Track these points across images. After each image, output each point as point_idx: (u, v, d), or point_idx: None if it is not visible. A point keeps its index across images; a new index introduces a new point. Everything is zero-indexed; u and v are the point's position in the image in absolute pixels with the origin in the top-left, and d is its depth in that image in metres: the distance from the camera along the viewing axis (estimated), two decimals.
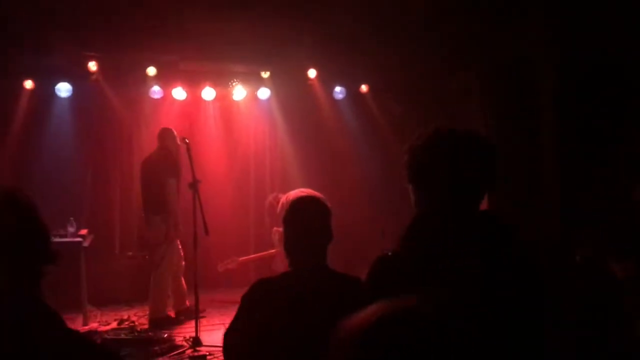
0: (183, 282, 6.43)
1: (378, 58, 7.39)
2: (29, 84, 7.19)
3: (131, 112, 7.86)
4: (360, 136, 8.49)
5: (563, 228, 5.42)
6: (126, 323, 6.20)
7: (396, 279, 1.58)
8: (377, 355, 0.99)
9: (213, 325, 5.94)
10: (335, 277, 2.28)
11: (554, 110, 5.83)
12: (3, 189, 1.36)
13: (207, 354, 5.05)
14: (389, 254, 1.67)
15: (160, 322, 6.04)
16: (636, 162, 4.87)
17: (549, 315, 1.73)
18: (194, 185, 5.56)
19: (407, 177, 1.72)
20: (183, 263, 6.41)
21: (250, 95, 8.12)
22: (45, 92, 7.28)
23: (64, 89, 7.26)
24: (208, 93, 7.87)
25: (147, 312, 6.27)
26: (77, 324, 6.09)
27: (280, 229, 4.15)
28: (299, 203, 2.42)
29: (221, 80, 7.96)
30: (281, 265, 5.74)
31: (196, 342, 5.26)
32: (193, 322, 5.38)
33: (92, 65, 7.17)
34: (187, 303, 6.35)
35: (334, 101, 8.41)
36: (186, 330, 5.76)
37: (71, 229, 6.38)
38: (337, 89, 8.31)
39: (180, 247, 6.36)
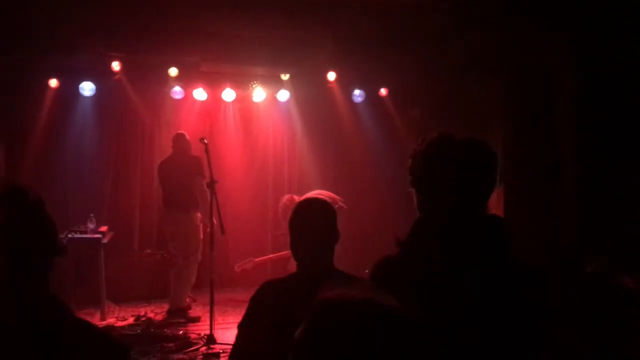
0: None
1: (398, 62, 7.40)
2: (53, 82, 7.32)
3: (152, 111, 7.97)
4: (379, 139, 8.50)
5: (579, 236, 5.38)
6: (143, 319, 6.31)
7: (396, 281, 1.61)
8: (326, 334, 1.02)
9: (228, 323, 6.01)
10: (341, 278, 2.32)
11: (574, 118, 5.79)
12: (2, 183, 1.43)
13: (221, 351, 5.12)
14: (391, 255, 1.71)
15: (179, 312, 6.28)
16: None
17: (548, 322, 1.74)
18: (211, 185, 5.65)
19: (410, 182, 1.76)
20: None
21: (269, 97, 8.18)
22: (69, 90, 7.40)
23: (87, 88, 7.38)
24: (228, 94, 7.95)
25: (168, 303, 6.47)
26: (95, 319, 6.20)
27: None
28: (302, 205, 2.47)
29: (241, 82, 8.03)
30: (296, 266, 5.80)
31: (210, 339, 5.34)
32: (208, 320, 5.47)
33: (116, 65, 7.29)
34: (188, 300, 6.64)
35: (353, 104, 8.43)
36: (201, 328, 5.85)
37: (91, 226, 6.49)
38: (356, 92, 8.33)
39: None
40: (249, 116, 8.47)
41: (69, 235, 6.20)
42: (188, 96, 7.81)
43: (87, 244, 6.46)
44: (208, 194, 6.15)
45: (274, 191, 8.48)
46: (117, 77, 7.36)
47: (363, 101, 8.43)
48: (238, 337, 2.40)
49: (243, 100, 8.26)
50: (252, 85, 8.04)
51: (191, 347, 5.29)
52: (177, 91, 7.69)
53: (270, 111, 8.45)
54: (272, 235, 8.29)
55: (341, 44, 7.04)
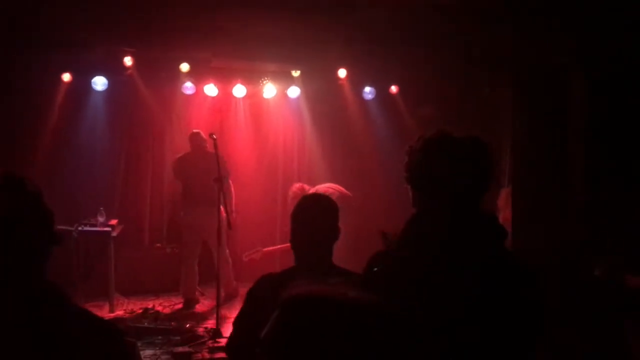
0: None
1: (409, 60, 7.39)
2: (66, 77, 7.39)
3: (163, 106, 8.02)
4: (389, 137, 8.47)
5: (587, 237, 5.35)
6: (151, 312, 6.37)
7: (389, 276, 1.63)
8: (293, 328, 1.01)
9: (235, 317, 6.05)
10: (337, 273, 2.34)
11: (583, 118, 5.75)
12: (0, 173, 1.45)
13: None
14: (385, 251, 1.72)
15: (230, 296, 6.81)
16: None
17: (546, 321, 1.74)
18: (219, 180, 5.70)
19: (405, 179, 1.77)
20: None
21: (280, 93, 8.20)
22: (82, 85, 7.46)
23: (100, 83, 7.44)
24: (239, 90, 7.98)
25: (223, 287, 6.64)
26: (104, 312, 6.27)
27: None
28: (306, 201, 2.49)
29: (252, 78, 8.05)
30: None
31: (216, 333, 5.38)
32: (215, 315, 5.53)
33: (128, 60, 7.34)
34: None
35: (363, 101, 8.43)
36: (207, 322, 5.90)
37: (101, 219, 6.56)
38: (367, 89, 8.32)
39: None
40: (259, 112, 8.49)
41: (79, 228, 6.27)
42: (199, 92, 7.85)
43: (96, 236, 6.53)
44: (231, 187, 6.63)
45: (283, 186, 8.49)
46: (129, 72, 7.41)
47: (373, 98, 8.41)
48: (234, 329, 2.43)
49: (253, 96, 8.28)
50: (262, 81, 8.06)
51: (197, 340, 5.33)
52: (188, 87, 7.73)
53: (281, 107, 8.47)
54: (281, 228, 8.32)
55: (352, 41, 7.04)
